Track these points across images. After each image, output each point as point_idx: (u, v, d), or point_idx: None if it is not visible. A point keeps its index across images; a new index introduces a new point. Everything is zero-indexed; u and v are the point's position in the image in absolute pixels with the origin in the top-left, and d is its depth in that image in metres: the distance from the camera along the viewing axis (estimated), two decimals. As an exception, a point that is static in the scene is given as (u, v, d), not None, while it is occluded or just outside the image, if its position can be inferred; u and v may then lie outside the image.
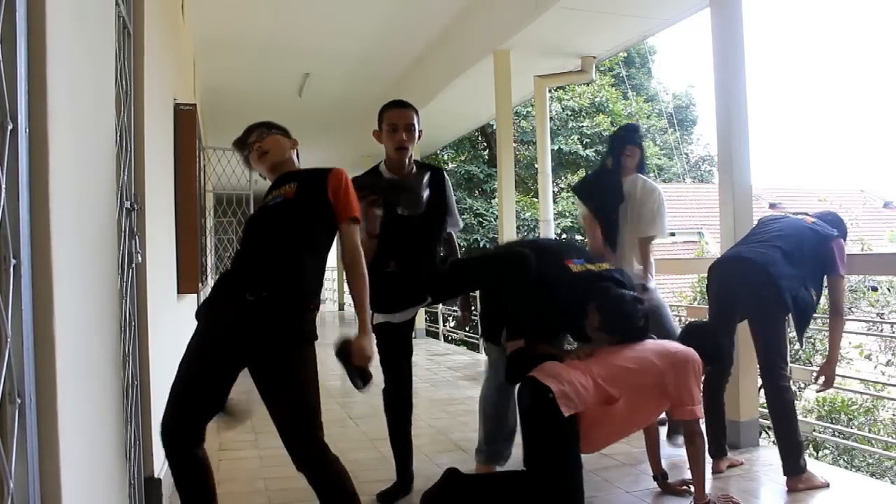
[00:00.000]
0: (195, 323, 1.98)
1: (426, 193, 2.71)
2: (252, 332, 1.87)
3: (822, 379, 2.94)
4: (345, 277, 2.06)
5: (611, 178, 3.50)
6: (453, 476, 2.44)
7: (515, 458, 3.13)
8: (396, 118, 2.71)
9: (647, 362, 2.38)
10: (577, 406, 2.18)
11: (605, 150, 3.73)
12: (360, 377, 2.04)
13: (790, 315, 2.83)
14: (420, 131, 2.76)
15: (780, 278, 2.76)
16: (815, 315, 3.08)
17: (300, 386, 1.87)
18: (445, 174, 2.94)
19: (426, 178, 2.76)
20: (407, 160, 2.75)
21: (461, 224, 3.02)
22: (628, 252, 3.45)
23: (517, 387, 2.44)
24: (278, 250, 1.95)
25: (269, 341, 1.87)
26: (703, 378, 2.52)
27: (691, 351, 2.48)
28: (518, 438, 3.08)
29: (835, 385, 3.06)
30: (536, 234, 6.49)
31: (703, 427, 2.53)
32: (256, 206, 2.15)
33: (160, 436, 1.88)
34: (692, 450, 2.47)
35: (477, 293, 3.24)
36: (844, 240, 2.98)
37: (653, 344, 2.51)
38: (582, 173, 12.68)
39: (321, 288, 2.05)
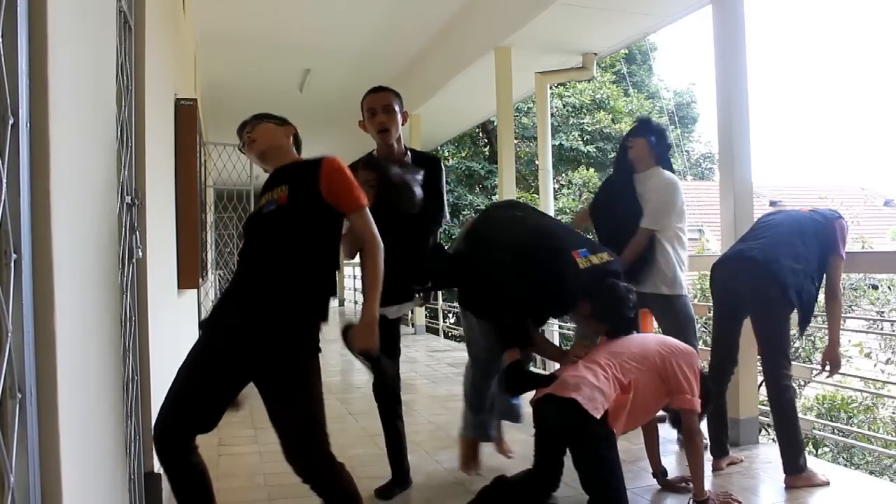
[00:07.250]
0: (195, 318, 1.98)
1: (419, 192, 2.63)
2: (257, 345, 1.84)
3: (827, 366, 2.90)
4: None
5: (618, 175, 3.41)
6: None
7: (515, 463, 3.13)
8: (373, 102, 2.73)
9: (650, 350, 2.42)
10: (604, 404, 2.21)
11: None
12: (364, 357, 2.04)
13: (795, 311, 2.82)
14: (404, 114, 2.77)
15: (784, 275, 2.75)
16: (816, 313, 3.05)
17: (305, 398, 1.83)
18: (441, 165, 2.93)
19: (421, 174, 2.70)
20: (395, 143, 2.75)
21: (448, 216, 3.01)
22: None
23: (531, 408, 2.40)
24: (278, 265, 1.89)
25: (273, 354, 1.84)
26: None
27: (691, 348, 2.53)
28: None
29: (835, 383, 3.01)
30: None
31: (702, 425, 2.55)
32: (255, 203, 2.09)
33: (153, 444, 1.85)
34: (691, 447, 2.48)
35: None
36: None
37: (654, 336, 2.58)
38: (582, 170, 12.67)
39: (332, 287, 1.96)
